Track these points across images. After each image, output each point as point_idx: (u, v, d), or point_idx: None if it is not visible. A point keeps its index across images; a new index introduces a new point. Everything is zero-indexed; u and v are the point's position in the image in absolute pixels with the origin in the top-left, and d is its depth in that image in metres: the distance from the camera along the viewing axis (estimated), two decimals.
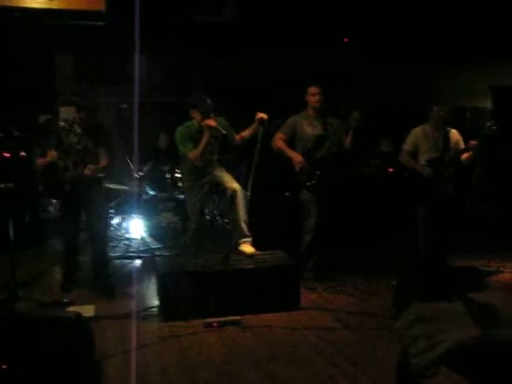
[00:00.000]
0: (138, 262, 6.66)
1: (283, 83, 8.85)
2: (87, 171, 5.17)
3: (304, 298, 5.04)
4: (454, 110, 6.10)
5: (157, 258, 6.01)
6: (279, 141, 5.65)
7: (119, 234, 7.50)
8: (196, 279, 4.69)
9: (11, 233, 5.05)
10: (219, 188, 5.44)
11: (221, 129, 5.27)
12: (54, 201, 7.52)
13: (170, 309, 4.60)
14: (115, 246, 7.01)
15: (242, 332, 4.35)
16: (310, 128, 5.63)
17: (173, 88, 9.49)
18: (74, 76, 9.05)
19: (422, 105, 5.99)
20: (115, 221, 7.77)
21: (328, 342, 4.13)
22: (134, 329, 4.35)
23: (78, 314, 3.47)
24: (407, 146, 5.79)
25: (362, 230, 7.05)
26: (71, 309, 4.60)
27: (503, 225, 7.36)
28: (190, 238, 5.57)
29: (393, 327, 2.82)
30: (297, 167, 5.51)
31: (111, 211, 7.56)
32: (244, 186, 5.40)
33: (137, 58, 7.26)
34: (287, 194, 5.83)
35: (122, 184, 7.54)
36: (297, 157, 5.53)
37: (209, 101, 5.29)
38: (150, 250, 6.93)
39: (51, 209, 7.72)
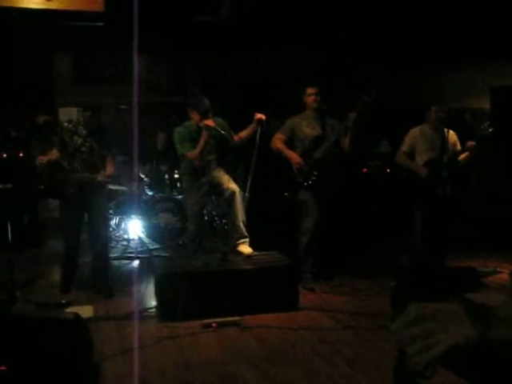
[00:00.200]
0: (136, 263, 6.67)
1: (281, 83, 8.86)
2: (101, 178, 5.16)
3: (302, 298, 5.05)
4: (453, 110, 6.10)
5: (155, 259, 6.01)
6: (278, 141, 5.66)
7: (117, 234, 7.50)
8: (194, 280, 4.69)
9: (10, 234, 5.04)
10: (217, 189, 5.44)
11: (219, 129, 5.28)
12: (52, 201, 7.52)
13: (169, 309, 4.59)
14: (113, 247, 7.01)
15: (240, 332, 4.36)
16: (308, 129, 5.63)
17: (171, 88, 9.50)
18: (72, 76, 9.04)
19: (420, 105, 6.00)
20: (113, 221, 7.77)
21: (326, 343, 4.14)
22: (133, 329, 4.36)
23: (77, 315, 3.47)
24: (404, 146, 5.80)
25: (361, 230, 7.06)
26: (70, 309, 4.60)
27: (500, 225, 7.37)
28: (189, 239, 5.58)
29: (390, 327, 2.82)
30: (295, 167, 5.52)
31: (110, 212, 7.56)
32: (242, 187, 5.40)
33: (135, 58, 7.26)
34: (286, 194, 5.83)
35: (120, 185, 7.54)
36: (295, 157, 5.53)
37: (207, 101, 5.30)
38: (149, 251, 6.93)
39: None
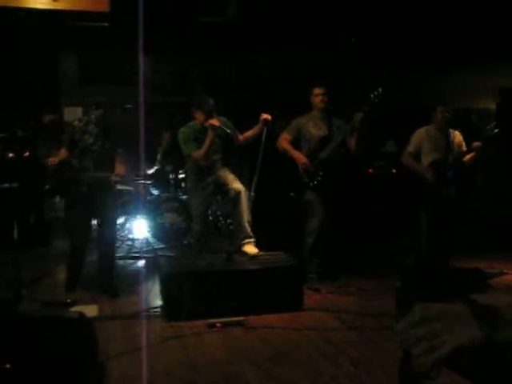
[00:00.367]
0: (141, 263, 6.69)
1: (286, 83, 8.86)
2: (115, 178, 5.12)
3: (307, 298, 5.04)
4: (460, 110, 6.09)
5: (160, 259, 6.00)
6: (284, 141, 5.65)
7: (123, 234, 7.51)
8: (199, 280, 4.69)
9: (16, 233, 5.04)
10: (223, 188, 5.44)
11: (225, 128, 5.28)
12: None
13: (173, 309, 4.59)
14: (119, 247, 7.02)
15: (245, 333, 4.36)
16: (315, 129, 5.62)
17: (176, 88, 9.50)
18: (78, 76, 9.06)
19: (426, 105, 5.99)
20: (119, 221, 7.77)
21: (331, 343, 4.13)
22: (138, 329, 4.37)
23: (82, 314, 3.47)
24: (410, 147, 5.79)
25: (366, 230, 7.05)
26: (75, 309, 4.60)
27: (507, 227, 7.35)
28: (194, 239, 5.58)
29: (395, 328, 2.82)
30: (301, 168, 5.52)
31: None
32: (248, 187, 5.40)
33: (141, 58, 7.27)
34: (291, 194, 5.83)
35: (125, 184, 7.54)
36: (301, 157, 5.52)
37: (211, 101, 5.30)
38: (154, 251, 6.94)
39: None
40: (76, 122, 5.25)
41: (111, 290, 5.26)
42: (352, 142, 5.52)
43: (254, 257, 5.17)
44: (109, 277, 5.35)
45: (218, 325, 4.43)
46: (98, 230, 5.34)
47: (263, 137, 5.33)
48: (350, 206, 6.79)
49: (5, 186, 5.27)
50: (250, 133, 5.48)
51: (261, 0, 7.90)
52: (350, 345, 4.09)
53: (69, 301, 4.91)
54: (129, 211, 7.52)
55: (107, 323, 4.50)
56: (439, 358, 2.39)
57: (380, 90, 5.30)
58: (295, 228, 5.93)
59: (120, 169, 5.23)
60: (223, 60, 9.23)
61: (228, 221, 7.28)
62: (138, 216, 7.43)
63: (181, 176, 7.75)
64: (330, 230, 5.58)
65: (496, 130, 5.43)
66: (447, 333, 2.45)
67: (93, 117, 5.18)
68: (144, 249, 7.03)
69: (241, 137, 5.51)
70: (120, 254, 6.70)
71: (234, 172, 5.61)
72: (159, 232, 7.46)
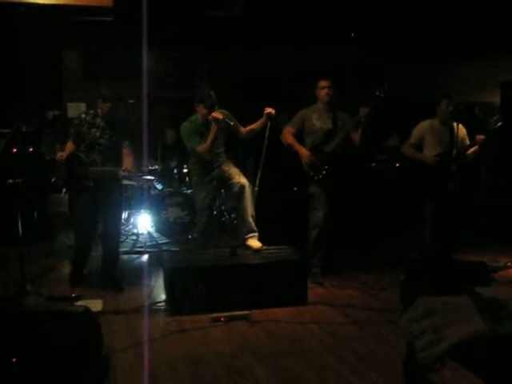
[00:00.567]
0: (145, 257, 6.69)
1: (291, 78, 8.84)
2: (123, 173, 5.11)
3: (311, 292, 5.05)
4: (462, 105, 6.07)
5: (164, 253, 6.02)
6: (288, 134, 5.64)
7: (127, 229, 7.52)
8: (203, 274, 4.70)
9: (20, 228, 5.06)
10: (227, 183, 5.44)
11: (228, 120, 5.28)
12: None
13: (178, 303, 4.61)
14: (123, 241, 7.03)
15: (249, 327, 4.36)
16: (319, 122, 5.61)
17: (180, 83, 9.49)
18: (81, 71, 9.05)
19: (429, 99, 5.97)
20: (123, 216, 7.78)
21: (335, 337, 4.14)
22: (142, 323, 4.38)
23: (86, 309, 3.49)
24: (411, 138, 5.79)
25: (370, 224, 7.04)
26: (79, 303, 4.62)
27: (511, 220, 7.34)
28: (198, 233, 5.59)
29: (399, 321, 2.82)
30: (304, 162, 5.51)
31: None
32: (252, 181, 5.40)
33: (144, 53, 7.26)
34: (295, 188, 5.82)
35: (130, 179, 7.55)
36: (304, 151, 5.52)
37: (213, 94, 5.29)
38: (158, 245, 6.95)
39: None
40: (83, 116, 5.24)
41: (116, 285, 5.27)
42: (357, 136, 5.51)
43: (257, 251, 5.17)
44: (113, 271, 5.37)
45: (222, 319, 4.44)
46: (102, 224, 5.35)
47: (267, 131, 5.32)
48: (353, 200, 6.79)
49: (9, 182, 5.27)
50: (253, 126, 5.47)
51: None
52: (354, 338, 4.10)
53: (73, 295, 4.94)
54: (133, 206, 7.54)
55: (112, 317, 4.51)
56: (443, 350, 2.39)
57: (386, 85, 5.29)
58: (299, 222, 5.93)
59: (128, 162, 5.21)
60: (228, 54, 9.20)
61: (232, 215, 7.29)
62: (142, 211, 7.45)
63: (184, 170, 7.75)
64: (333, 224, 5.58)
65: (499, 124, 5.42)
66: (451, 326, 2.45)
67: (99, 110, 5.17)
68: (148, 243, 7.04)
69: (243, 130, 5.49)
70: (124, 249, 6.71)
71: (238, 166, 5.61)
72: (163, 227, 7.48)
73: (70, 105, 8.76)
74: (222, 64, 9.08)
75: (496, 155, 8.71)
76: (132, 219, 7.62)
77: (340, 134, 5.55)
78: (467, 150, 5.64)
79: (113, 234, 5.36)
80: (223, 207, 7.54)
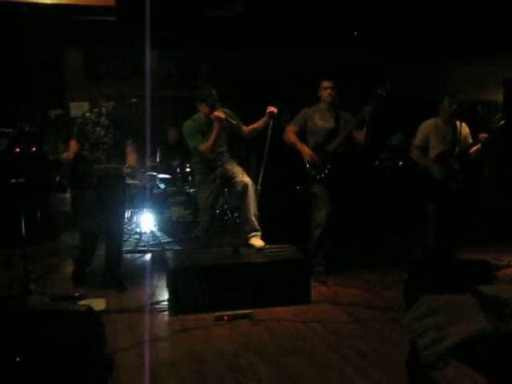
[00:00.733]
0: (148, 256, 6.70)
1: (293, 78, 8.84)
2: (127, 170, 5.12)
3: (314, 291, 5.04)
4: (465, 103, 6.06)
5: (167, 252, 6.02)
6: (290, 133, 5.64)
7: (130, 228, 7.53)
8: (206, 273, 4.70)
9: (23, 227, 5.06)
10: (230, 182, 5.44)
11: (230, 119, 5.28)
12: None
13: (181, 302, 4.61)
14: (126, 240, 7.04)
15: (252, 325, 4.37)
16: (321, 121, 5.61)
17: (182, 82, 9.49)
18: (83, 71, 9.06)
19: (431, 98, 5.96)
20: (126, 215, 7.79)
21: (338, 335, 4.14)
22: (145, 322, 4.38)
23: (89, 308, 3.49)
24: (417, 141, 5.76)
25: (372, 223, 7.04)
26: (82, 302, 4.62)
27: None
28: (201, 232, 5.59)
29: (402, 320, 2.82)
30: (306, 161, 5.51)
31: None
32: (254, 180, 5.40)
33: (147, 52, 7.27)
34: (298, 187, 5.82)
35: (133, 178, 7.56)
36: (306, 150, 5.52)
37: (214, 93, 5.29)
38: (161, 244, 6.96)
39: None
40: (87, 114, 5.25)
41: (119, 284, 5.28)
42: (360, 135, 5.51)
43: (260, 250, 5.17)
44: (116, 270, 5.37)
45: (225, 318, 4.44)
46: (105, 222, 5.35)
47: (269, 130, 5.32)
48: (356, 198, 6.79)
49: (12, 182, 5.28)
50: (255, 125, 5.47)
51: None
52: (357, 337, 4.10)
53: (77, 295, 4.94)
54: (136, 205, 7.55)
55: (115, 316, 4.52)
56: (446, 349, 2.39)
57: (388, 84, 5.29)
58: (302, 221, 5.93)
59: (131, 159, 5.22)
60: (230, 54, 9.20)
61: (235, 214, 7.29)
62: (144, 210, 7.46)
63: (187, 169, 7.76)
64: (336, 223, 5.58)
65: (502, 122, 5.41)
66: (454, 324, 2.45)
67: (103, 109, 5.18)
68: (151, 242, 7.04)
69: (246, 129, 5.49)
70: (127, 248, 6.72)
71: (240, 164, 5.61)
72: (166, 226, 7.50)
73: (72, 104, 8.78)
74: (223, 64, 9.08)
75: (499, 154, 8.68)
76: (135, 218, 7.63)
77: (342, 133, 5.55)
78: (470, 148, 5.63)
79: (116, 232, 5.38)
80: (226, 206, 7.55)
